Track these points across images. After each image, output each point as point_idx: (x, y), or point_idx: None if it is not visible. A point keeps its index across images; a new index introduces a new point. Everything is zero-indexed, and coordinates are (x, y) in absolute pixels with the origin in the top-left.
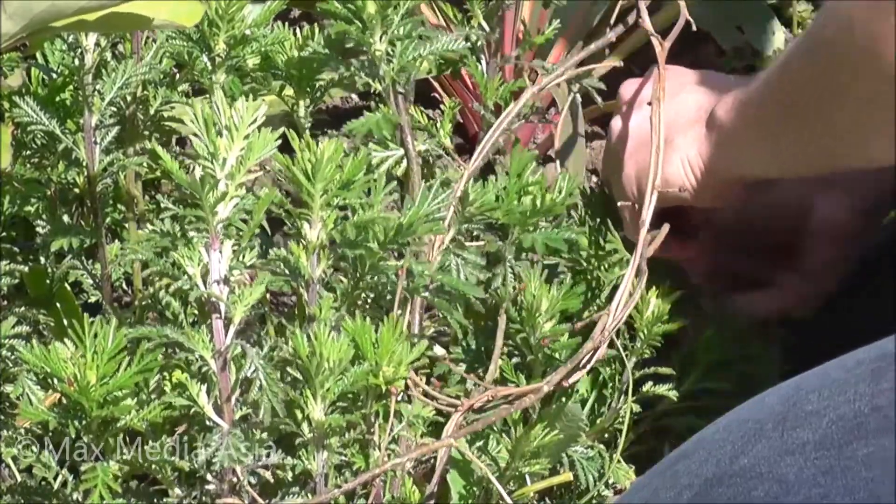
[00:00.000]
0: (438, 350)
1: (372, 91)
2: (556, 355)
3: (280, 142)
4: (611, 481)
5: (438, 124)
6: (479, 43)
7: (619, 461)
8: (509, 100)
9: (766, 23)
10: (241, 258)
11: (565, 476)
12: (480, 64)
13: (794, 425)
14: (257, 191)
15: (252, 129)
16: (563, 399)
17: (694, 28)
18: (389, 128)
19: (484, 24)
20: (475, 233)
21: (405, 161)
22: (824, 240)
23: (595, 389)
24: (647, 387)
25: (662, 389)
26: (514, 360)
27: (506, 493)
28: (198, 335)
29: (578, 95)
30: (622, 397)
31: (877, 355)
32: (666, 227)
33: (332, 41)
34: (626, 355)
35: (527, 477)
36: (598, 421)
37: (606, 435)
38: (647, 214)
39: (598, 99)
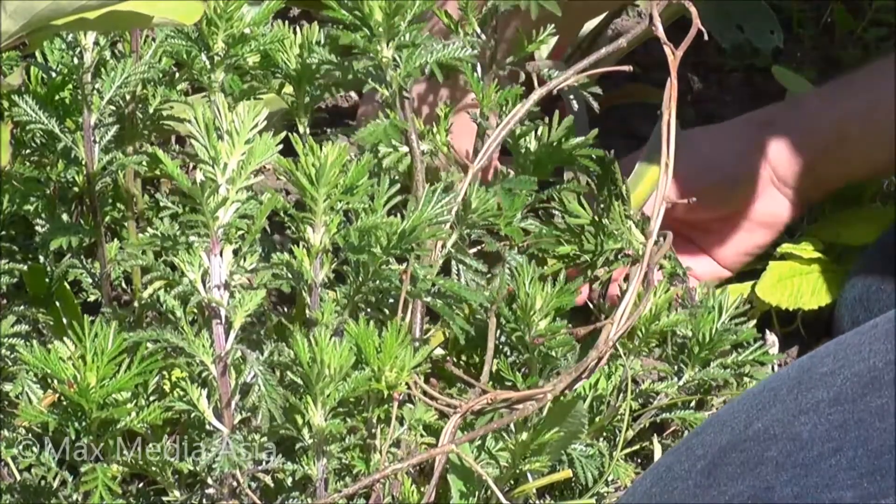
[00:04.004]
0: (438, 351)
1: (378, 97)
2: (553, 353)
3: (281, 146)
4: (611, 479)
5: (435, 129)
6: (474, 50)
7: (619, 459)
8: (505, 105)
9: (766, 22)
10: (241, 263)
11: (565, 473)
12: (476, 71)
13: (809, 387)
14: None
15: (253, 134)
16: (563, 397)
17: (702, 30)
18: (397, 135)
19: (479, 30)
20: (474, 237)
21: (408, 158)
22: None
23: (593, 388)
24: (646, 385)
25: (662, 387)
26: (512, 358)
27: (504, 497)
28: (198, 340)
29: (589, 98)
30: (621, 395)
31: (892, 317)
32: (670, 236)
33: (337, 45)
34: (625, 353)
35: (528, 475)
36: (597, 419)
37: (606, 433)
38: (656, 226)
39: (595, 105)
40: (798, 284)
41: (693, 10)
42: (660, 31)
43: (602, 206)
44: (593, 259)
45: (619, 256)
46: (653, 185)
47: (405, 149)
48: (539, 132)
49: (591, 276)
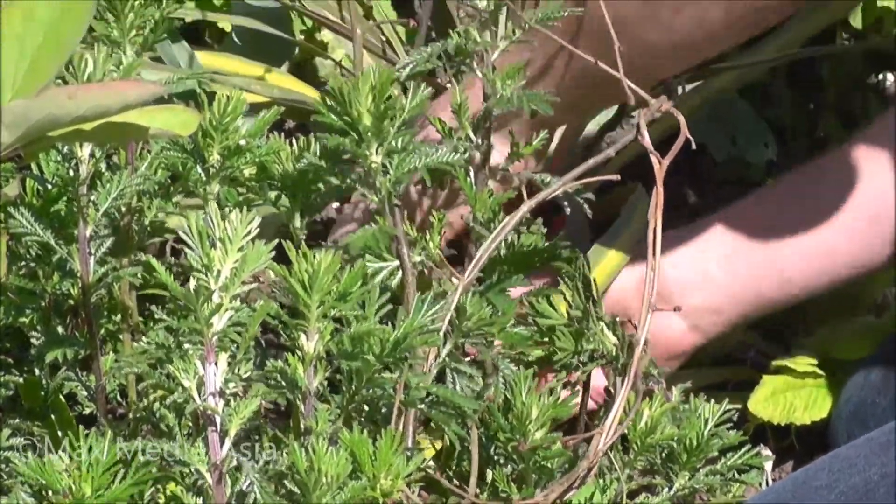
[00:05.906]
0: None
1: (367, 203)
2: (548, 464)
3: (274, 253)
4: None
5: (427, 236)
6: (466, 154)
7: None
8: (498, 211)
9: (759, 135)
10: (236, 370)
11: None
12: (469, 176)
13: (804, 501)
14: (251, 301)
15: (246, 241)
16: None
17: (689, 139)
18: (386, 241)
19: (472, 135)
20: (467, 346)
21: (399, 273)
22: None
23: (588, 502)
24: (641, 498)
25: (656, 501)
26: (507, 469)
27: None
28: (193, 448)
29: (584, 204)
30: None
31: (888, 430)
32: (649, 343)
33: (328, 152)
34: (620, 467)
35: None
36: None
37: None
38: (643, 333)
39: (588, 211)
40: (791, 399)
41: (681, 119)
42: (646, 141)
43: (573, 307)
44: (567, 360)
45: (594, 358)
46: (606, 276)
47: (394, 263)
48: (509, 238)
49: (565, 379)
